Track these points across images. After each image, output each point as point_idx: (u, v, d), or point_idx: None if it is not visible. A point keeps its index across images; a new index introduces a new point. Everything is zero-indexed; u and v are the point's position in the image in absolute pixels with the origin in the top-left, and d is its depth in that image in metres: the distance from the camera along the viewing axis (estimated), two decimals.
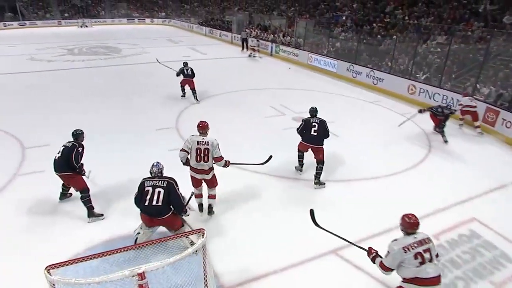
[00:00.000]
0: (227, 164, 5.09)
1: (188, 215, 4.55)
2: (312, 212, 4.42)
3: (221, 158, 4.97)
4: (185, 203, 4.40)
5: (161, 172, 4.29)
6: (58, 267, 2.86)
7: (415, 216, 3.46)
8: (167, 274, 3.68)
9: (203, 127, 4.96)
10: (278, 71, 16.05)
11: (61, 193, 5.51)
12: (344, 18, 18.75)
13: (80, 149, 5.05)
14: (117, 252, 3.12)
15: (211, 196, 5.24)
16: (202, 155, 4.85)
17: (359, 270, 4.35)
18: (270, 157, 5.81)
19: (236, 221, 5.20)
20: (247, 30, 22.17)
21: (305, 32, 18.21)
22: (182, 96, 10.86)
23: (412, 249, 3.27)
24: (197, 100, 10.53)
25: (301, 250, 4.63)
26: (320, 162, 6.14)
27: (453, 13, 13.68)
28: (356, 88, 13.06)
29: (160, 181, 4.19)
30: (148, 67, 15.84)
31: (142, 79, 13.77)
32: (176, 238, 3.41)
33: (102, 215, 5.20)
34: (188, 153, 4.94)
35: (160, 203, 4.09)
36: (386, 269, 3.45)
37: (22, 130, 8.14)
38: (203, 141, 4.87)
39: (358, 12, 18.37)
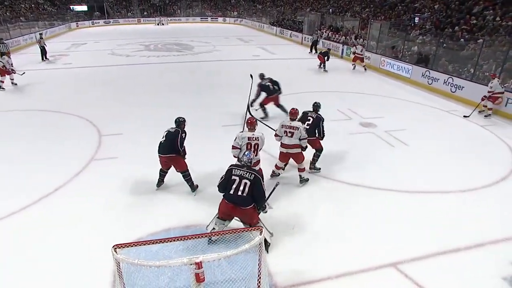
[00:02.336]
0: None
1: (266, 212, 4.52)
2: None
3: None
4: (267, 197, 4.42)
5: (251, 162, 4.39)
6: (122, 248, 3.03)
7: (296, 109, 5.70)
8: (223, 267, 3.73)
9: (251, 123, 5.34)
10: (347, 74, 15.58)
11: (158, 179, 5.83)
12: (422, 20, 17.59)
13: (183, 135, 5.46)
14: (177, 239, 3.23)
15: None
16: (252, 149, 5.18)
17: (418, 287, 4.03)
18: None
19: (295, 223, 5.11)
20: (318, 32, 21.62)
21: (378, 35, 17.42)
22: (263, 118, 8.79)
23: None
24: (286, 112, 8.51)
25: (359, 259, 4.41)
26: (318, 150, 6.46)
27: None
28: (431, 96, 12.19)
29: (248, 173, 4.27)
30: (218, 65, 16.38)
31: (212, 76, 14.24)
32: (237, 233, 3.42)
33: (197, 186, 5.79)
34: (240, 149, 5.29)
35: (245, 194, 4.20)
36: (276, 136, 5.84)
37: (100, 119, 8.87)
38: (253, 137, 5.28)
39: (440, 14, 17.11)
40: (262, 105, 9.02)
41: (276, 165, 6.14)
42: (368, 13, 22.50)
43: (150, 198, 5.64)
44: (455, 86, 11.88)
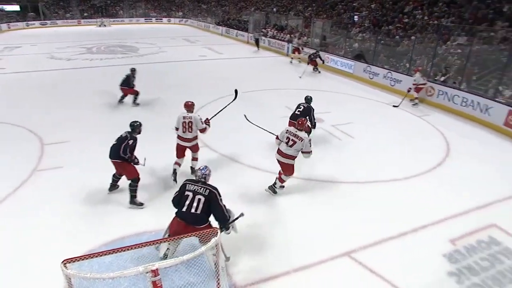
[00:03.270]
0: (206, 129, 6.18)
1: (228, 233, 4.22)
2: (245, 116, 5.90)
3: (203, 129, 6.13)
4: (231, 219, 4.15)
5: (205, 178, 4.14)
6: (73, 262, 2.90)
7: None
8: (180, 272, 3.70)
9: (188, 106, 6.13)
10: (293, 72, 15.97)
11: (111, 184, 5.66)
12: (361, 18, 18.52)
13: (131, 141, 5.25)
14: (131, 248, 3.15)
15: (194, 159, 6.43)
16: (187, 127, 6.00)
17: (372, 274, 4.28)
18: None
19: (248, 221, 5.17)
20: (260, 30, 22.89)
21: (321, 33, 18.07)
22: None
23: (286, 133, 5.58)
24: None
25: (314, 252, 4.59)
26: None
27: (475, 13, 13.34)
28: (373, 90, 12.90)
29: (203, 189, 4.00)
30: (164, 66, 16.03)
31: (160, 78, 13.92)
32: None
33: (142, 204, 5.44)
34: (178, 128, 6.11)
35: (198, 212, 3.91)
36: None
37: (41, 127, 8.33)
38: (187, 116, 6.03)
39: (376, 13, 18.13)
40: None
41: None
42: (311, 11, 23.22)
43: (100, 207, 5.42)
44: (394, 80, 12.68)
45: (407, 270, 4.34)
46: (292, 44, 18.65)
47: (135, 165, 5.39)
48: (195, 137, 6.17)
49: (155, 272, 2.83)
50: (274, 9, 27.39)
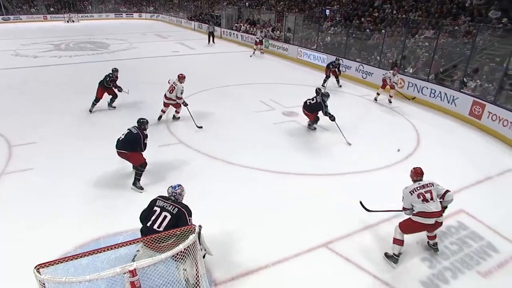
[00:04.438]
0: (179, 104, 8.31)
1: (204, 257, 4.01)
2: (361, 203, 5.24)
3: (179, 99, 8.18)
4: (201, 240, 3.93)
5: (175, 197, 3.99)
6: (47, 266, 2.83)
7: (419, 168, 4.53)
8: (159, 270, 3.67)
9: (179, 77, 8.15)
10: (268, 66, 16.03)
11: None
12: (332, 12, 18.75)
13: (146, 140, 5.67)
14: (107, 249, 3.10)
15: (177, 112, 8.65)
16: (170, 89, 8.14)
17: (349, 263, 4.41)
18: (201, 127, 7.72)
19: (227, 217, 5.21)
20: (211, 23, 23.58)
21: (294, 27, 18.18)
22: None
23: (416, 191, 4.33)
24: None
25: (292, 245, 4.67)
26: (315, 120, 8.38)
27: (440, 8, 13.79)
28: (346, 82, 13.12)
29: (171, 206, 3.88)
30: (136, 62, 15.69)
31: (131, 75, 13.60)
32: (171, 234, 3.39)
33: (142, 188, 5.74)
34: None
35: (161, 229, 3.72)
36: (404, 209, 4.47)
37: (8, 128, 8.00)
38: (175, 82, 8.13)
39: (347, 7, 18.40)
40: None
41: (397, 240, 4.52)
42: (283, 6, 23.27)
43: (74, 208, 5.28)
44: (366, 72, 12.95)
45: (382, 258, 4.49)
46: (256, 36, 18.78)
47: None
48: (175, 100, 8.16)
49: (133, 273, 2.80)
50: (247, 4, 27.27)
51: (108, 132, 7.57)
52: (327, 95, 8.07)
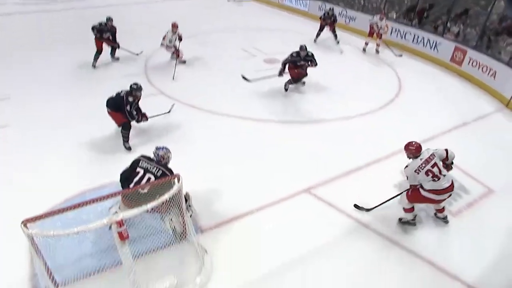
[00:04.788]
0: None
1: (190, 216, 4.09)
2: (356, 206, 4.62)
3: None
4: (188, 202, 4.02)
5: (161, 160, 3.87)
6: (34, 221, 2.86)
7: (416, 142, 4.17)
8: (145, 220, 3.76)
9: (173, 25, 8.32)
10: (248, 12, 15.39)
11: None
12: None
13: (129, 107, 5.40)
14: (93, 202, 3.14)
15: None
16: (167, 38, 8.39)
17: (331, 208, 4.62)
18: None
19: (208, 166, 5.28)
20: None
21: None
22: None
23: (422, 168, 4.00)
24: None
25: (275, 191, 4.81)
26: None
27: None
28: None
29: (156, 168, 3.74)
30: (109, 10, 14.77)
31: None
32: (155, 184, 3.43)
33: (130, 149, 5.61)
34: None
35: (145, 191, 3.59)
36: (412, 186, 4.21)
37: None
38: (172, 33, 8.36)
39: None
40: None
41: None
42: None
43: (56, 163, 5.23)
44: (349, 17, 12.62)
45: (362, 202, 4.67)
46: None
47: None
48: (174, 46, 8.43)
49: (120, 223, 2.86)
50: None
51: (95, 86, 7.42)
52: (302, 48, 7.42)
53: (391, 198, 4.48)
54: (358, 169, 5.34)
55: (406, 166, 4.17)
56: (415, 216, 4.38)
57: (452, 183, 4.08)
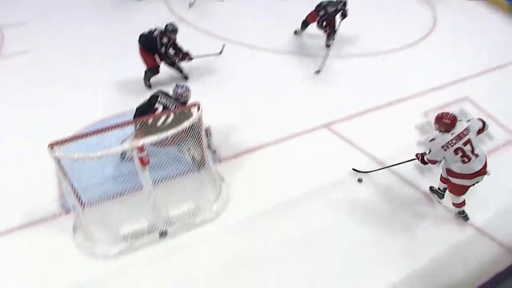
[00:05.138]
0: None
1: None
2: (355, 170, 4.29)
3: None
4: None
5: (179, 97, 3.79)
6: (60, 145, 2.96)
7: (452, 114, 3.35)
8: (165, 150, 3.82)
9: None
10: None
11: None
12: None
13: (162, 48, 5.05)
14: (115, 128, 3.20)
15: None
16: None
17: (349, 144, 4.62)
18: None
19: (231, 97, 5.23)
20: None
21: None
22: None
23: (452, 145, 3.25)
24: None
25: (295, 125, 4.80)
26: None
27: None
28: None
29: (174, 106, 3.70)
30: None
31: None
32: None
33: (150, 87, 5.31)
34: None
35: (163, 123, 3.56)
36: (432, 162, 3.52)
37: None
38: None
39: None
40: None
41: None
42: None
43: (77, 91, 5.26)
44: None
45: (381, 141, 4.62)
46: None
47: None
48: None
49: (141, 149, 2.93)
50: None
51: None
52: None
53: (392, 165, 4.09)
54: (380, 108, 5.21)
55: (433, 139, 3.40)
56: (445, 189, 3.85)
57: (486, 163, 3.36)
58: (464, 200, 3.67)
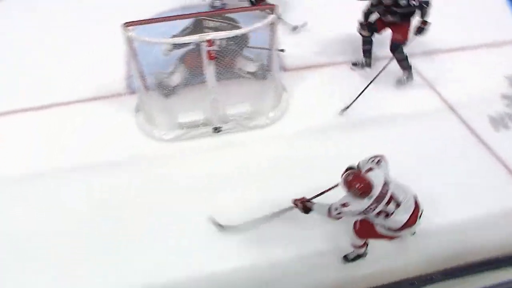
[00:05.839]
0: None
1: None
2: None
3: None
4: None
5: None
6: (133, 25, 3.00)
7: (363, 177, 2.37)
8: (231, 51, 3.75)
9: None
10: None
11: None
12: None
13: None
14: (186, 17, 3.19)
15: None
16: None
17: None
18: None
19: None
20: None
21: None
22: None
23: (372, 210, 2.37)
24: None
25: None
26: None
27: None
28: None
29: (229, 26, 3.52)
30: None
31: None
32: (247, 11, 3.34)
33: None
34: None
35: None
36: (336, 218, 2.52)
37: None
38: None
39: None
40: None
41: None
42: None
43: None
44: None
45: (464, 83, 4.18)
46: None
47: None
48: None
49: (209, 42, 2.93)
50: None
51: None
52: None
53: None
54: (465, 49, 4.58)
55: (343, 205, 2.39)
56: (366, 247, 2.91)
57: (416, 204, 2.50)
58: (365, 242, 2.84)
